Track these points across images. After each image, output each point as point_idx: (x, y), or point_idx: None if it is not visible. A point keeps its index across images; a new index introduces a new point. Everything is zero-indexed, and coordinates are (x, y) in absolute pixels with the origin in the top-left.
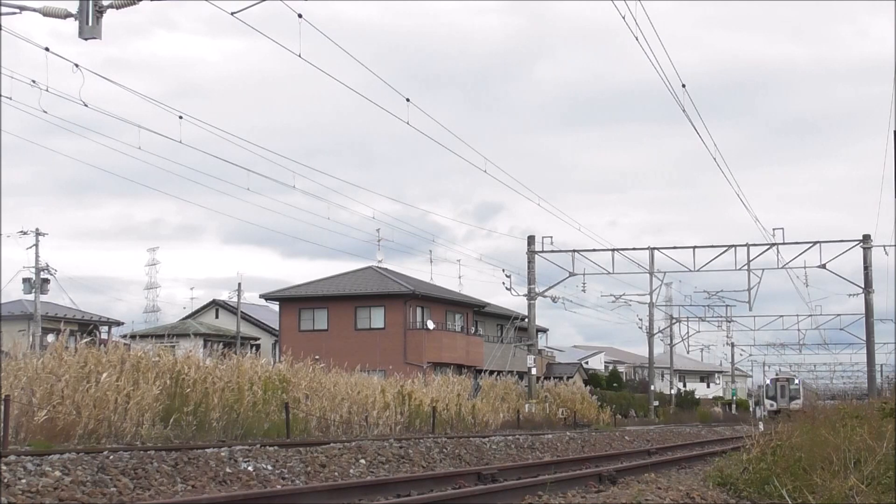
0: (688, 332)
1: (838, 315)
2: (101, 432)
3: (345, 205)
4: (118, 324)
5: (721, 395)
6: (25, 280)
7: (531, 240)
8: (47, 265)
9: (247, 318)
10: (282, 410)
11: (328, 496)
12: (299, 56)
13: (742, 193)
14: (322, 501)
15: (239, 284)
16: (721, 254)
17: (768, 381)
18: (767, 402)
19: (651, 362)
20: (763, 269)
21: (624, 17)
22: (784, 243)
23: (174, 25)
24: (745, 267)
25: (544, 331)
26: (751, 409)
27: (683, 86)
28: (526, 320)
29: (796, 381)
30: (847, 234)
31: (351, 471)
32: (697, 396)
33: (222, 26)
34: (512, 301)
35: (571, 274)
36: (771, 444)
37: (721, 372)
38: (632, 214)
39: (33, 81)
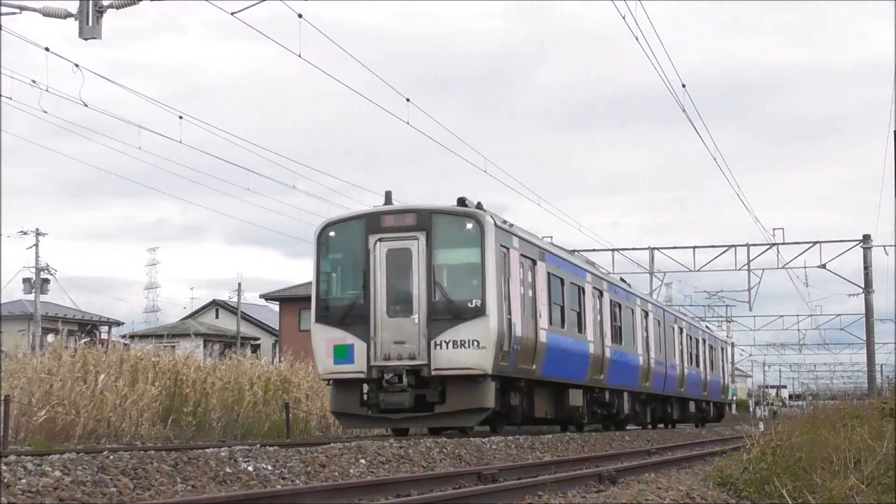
0: None
1: (838, 315)
2: (101, 432)
3: (346, 205)
4: (118, 324)
5: None
6: (25, 280)
7: None
8: (47, 265)
9: (247, 318)
10: (282, 410)
11: (328, 496)
12: (299, 56)
13: (742, 194)
14: (322, 501)
15: (239, 284)
16: (721, 254)
17: None
18: None
19: None
20: (763, 269)
21: (624, 18)
22: (784, 243)
23: (180, 29)
24: (745, 267)
25: None
26: (750, 409)
27: (684, 86)
28: None
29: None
30: (847, 234)
31: (351, 471)
32: None
33: (227, 30)
34: None
35: None
36: (771, 444)
37: None
38: (633, 215)
39: (33, 81)
